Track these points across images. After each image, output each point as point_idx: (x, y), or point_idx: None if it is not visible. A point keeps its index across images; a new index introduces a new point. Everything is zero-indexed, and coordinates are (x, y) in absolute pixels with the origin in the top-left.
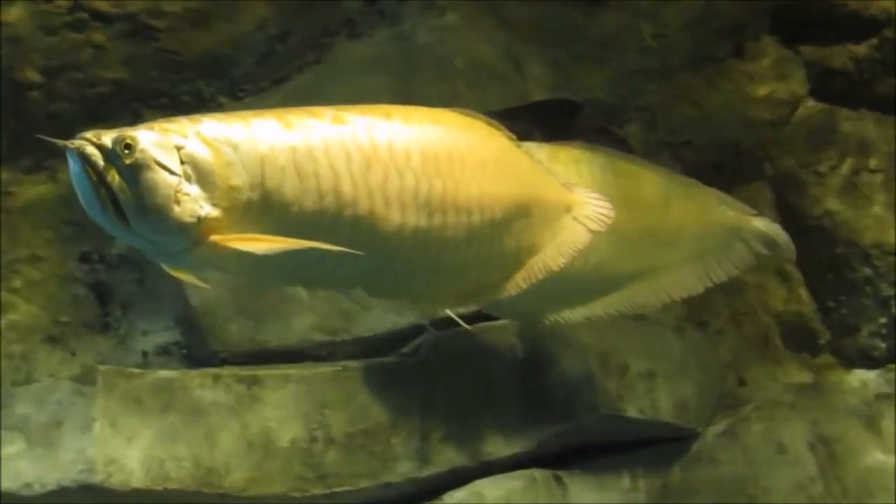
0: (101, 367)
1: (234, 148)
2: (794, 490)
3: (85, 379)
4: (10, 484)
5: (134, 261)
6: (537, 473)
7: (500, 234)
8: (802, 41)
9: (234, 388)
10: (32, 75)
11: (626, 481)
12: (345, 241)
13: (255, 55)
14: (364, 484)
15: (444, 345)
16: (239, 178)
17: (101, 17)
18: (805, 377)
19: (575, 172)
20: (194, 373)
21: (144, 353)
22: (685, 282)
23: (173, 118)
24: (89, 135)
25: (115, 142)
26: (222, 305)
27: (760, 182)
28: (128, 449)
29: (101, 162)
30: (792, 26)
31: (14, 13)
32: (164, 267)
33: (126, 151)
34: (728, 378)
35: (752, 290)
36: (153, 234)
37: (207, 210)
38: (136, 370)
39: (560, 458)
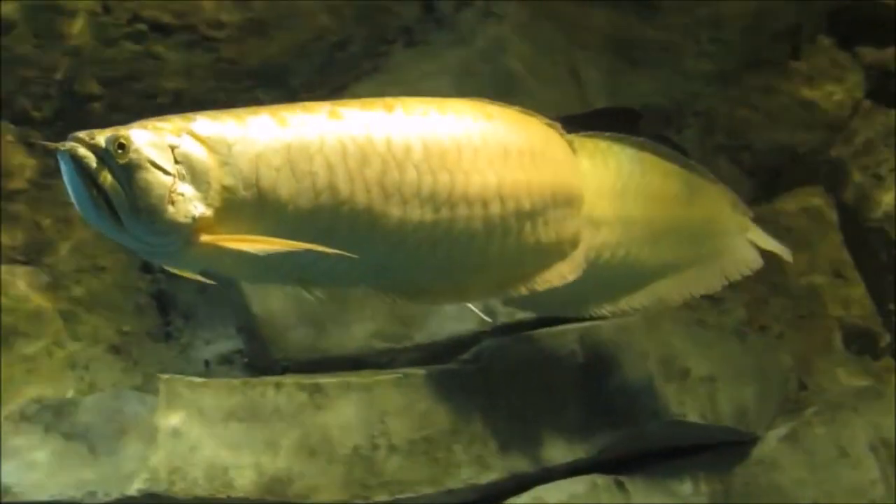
0: (164, 376)
1: (229, 147)
2: (855, 493)
3: (147, 388)
4: (74, 493)
5: None
6: (599, 479)
7: (532, 225)
8: (859, 43)
9: (295, 396)
10: (93, 87)
11: (687, 486)
12: (344, 238)
13: (314, 64)
14: (426, 490)
15: (505, 351)
16: (233, 178)
17: (160, 29)
18: (866, 380)
19: (602, 164)
20: (256, 381)
21: (206, 362)
22: (705, 279)
23: (167, 116)
24: (83, 135)
25: (108, 142)
26: (283, 314)
27: (818, 185)
28: (191, 457)
29: (93, 163)
30: (848, 28)
31: (74, 26)
32: (162, 265)
33: (120, 151)
34: (789, 382)
35: (813, 293)
36: (147, 235)
37: (201, 210)
38: (199, 379)
39: (620, 463)
